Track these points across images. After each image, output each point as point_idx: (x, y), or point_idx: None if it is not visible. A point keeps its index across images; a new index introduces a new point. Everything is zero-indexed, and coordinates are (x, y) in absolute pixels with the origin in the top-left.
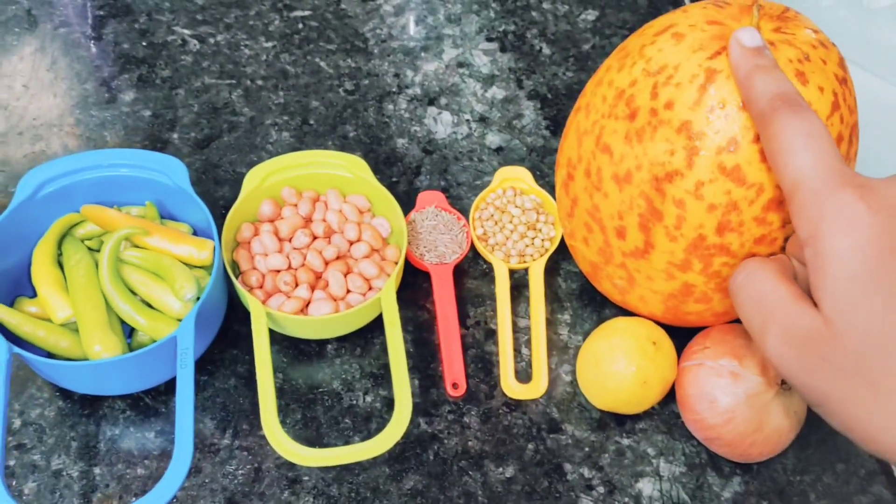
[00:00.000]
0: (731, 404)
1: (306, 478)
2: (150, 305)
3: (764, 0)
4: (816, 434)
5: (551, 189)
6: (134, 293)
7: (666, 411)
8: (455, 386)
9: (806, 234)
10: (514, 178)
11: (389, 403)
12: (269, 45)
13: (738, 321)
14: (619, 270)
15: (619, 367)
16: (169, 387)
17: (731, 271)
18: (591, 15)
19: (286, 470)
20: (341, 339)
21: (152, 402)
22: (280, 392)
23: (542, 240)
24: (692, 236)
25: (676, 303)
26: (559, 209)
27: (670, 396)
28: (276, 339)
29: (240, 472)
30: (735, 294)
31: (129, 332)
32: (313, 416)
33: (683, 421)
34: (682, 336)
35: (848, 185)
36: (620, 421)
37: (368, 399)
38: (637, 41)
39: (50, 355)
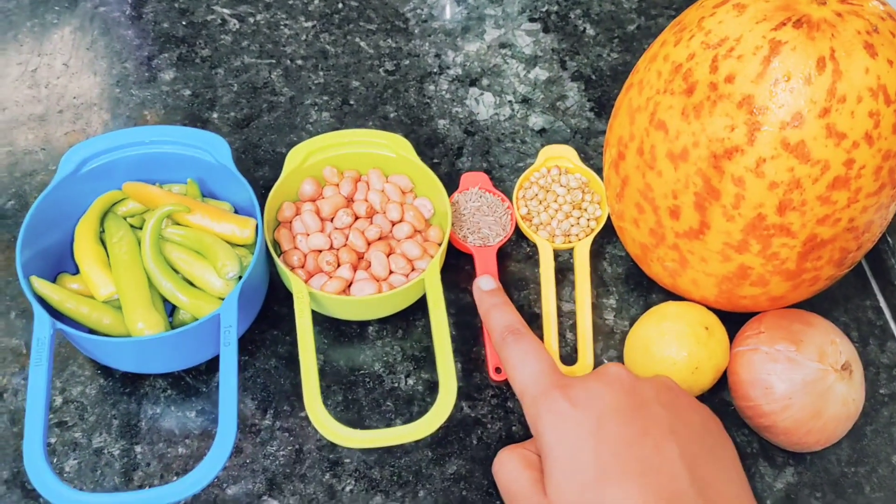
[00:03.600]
0: (787, 391)
1: (348, 460)
2: (191, 283)
3: None
4: (872, 424)
5: (597, 171)
6: (176, 271)
7: (716, 398)
8: (498, 370)
9: (534, 432)
10: (559, 157)
11: (431, 387)
12: (309, 24)
13: (793, 306)
14: (671, 252)
15: (670, 352)
16: (210, 366)
17: (790, 253)
18: None
19: (327, 452)
20: (382, 321)
21: (193, 382)
22: (321, 373)
23: (588, 219)
24: (751, 216)
25: (731, 286)
26: (607, 190)
27: (721, 383)
28: (317, 319)
29: (281, 453)
30: (495, 478)
31: (169, 310)
32: (355, 399)
33: (735, 408)
34: (732, 322)
35: (555, 388)
36: None
37: (410, 382)
38: (695, 13)
39: (92, 332)
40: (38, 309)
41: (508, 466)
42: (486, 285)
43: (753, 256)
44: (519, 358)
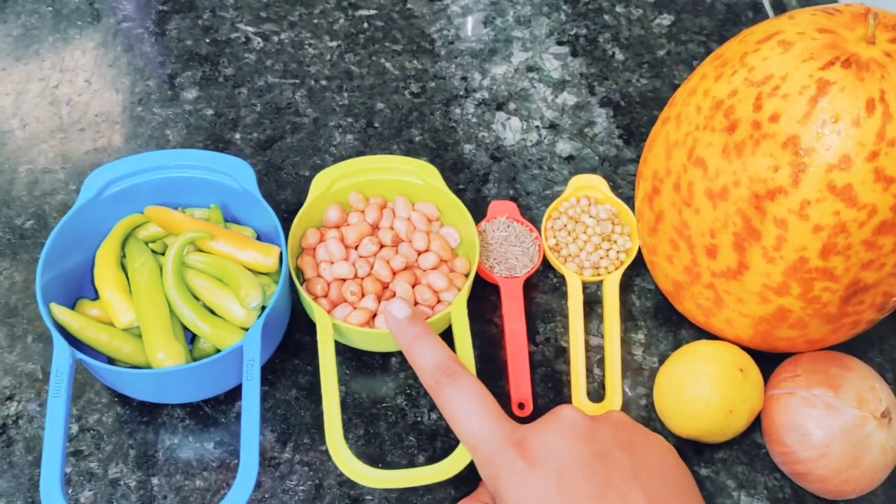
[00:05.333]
0: (825, 438)
1: (369, 497)
2: (212, 312)
3: (879, 8)
4: None
5: (626, 200)
6: (197, 299)
7: (747, 441)
8: (521, 406)
9: (492, 489)
10: (589, 187)
11: None
12: (334, 44)
13: (829, 348)
14: (706, 291)
15: (703, 393)
16: (228, 396)
17: (832, 297)
18: (666, 20)
19: (348, 488)
20: None
21: (212, 412)
22: (342, 405)
23: (618, 252)
24: (793, 258)
25: (768, 328)
26: (640, 224)
27: (753, 425)
28: (339, 349)
29: (300, 487)
30: None
31: (189, 338)
32: (376, 433)
33: (769, 452)
34: (764, 361)
35: (510, 445)
36: (699, 449)
37: (433, 416)
38: (737, 48)
39: (110, 360)
40: (57, 339)
41: None
42: (400, 312)
43: (794, 299)
44: (460, 406)
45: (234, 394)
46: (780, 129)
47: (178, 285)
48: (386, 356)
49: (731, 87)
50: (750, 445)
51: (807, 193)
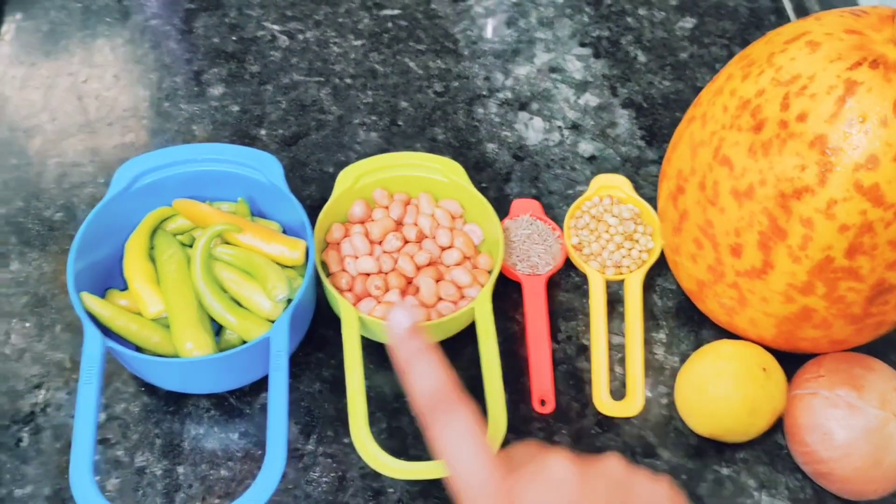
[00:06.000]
0: (847, 438)
1: (391, 490)
2: (239, 304)
3: None
4: None
5: (647, 201)
6: (224, 291)
7: (768, 441)
8: (542, 403)
9: None
10: (612, 186)
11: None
12: (358, 43)
13: (853, 349)
14: (730, 290)
15: (726, 392)
16: (253, 388)
17: (857, 297)
18: (688, 23)
19: (371, 480)
20: None
21: (237, 403)
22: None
23: (640, 251)
24: (818, 258)
25: (791, 327)
26: (663, 223)
27: (774, 426)
28: (362, 343)
29: (324, 479)
30: None
31: (215, 330)
32: (399, 427)
33: (791, 452)
34: (786, 362)
35: (498, 495)
36: (720, 448)
37: None
38: (764, 49)
39: (138, 349)
40: (89, 327)
41: None
42: (402, 321)
43: (818, 299)
44: (454, 442)
45: (259, 386)
46: (808, 129)
47: (206, 277)
48: None
49: (758, 87)
50: (771, 445)
51: (833, 193)
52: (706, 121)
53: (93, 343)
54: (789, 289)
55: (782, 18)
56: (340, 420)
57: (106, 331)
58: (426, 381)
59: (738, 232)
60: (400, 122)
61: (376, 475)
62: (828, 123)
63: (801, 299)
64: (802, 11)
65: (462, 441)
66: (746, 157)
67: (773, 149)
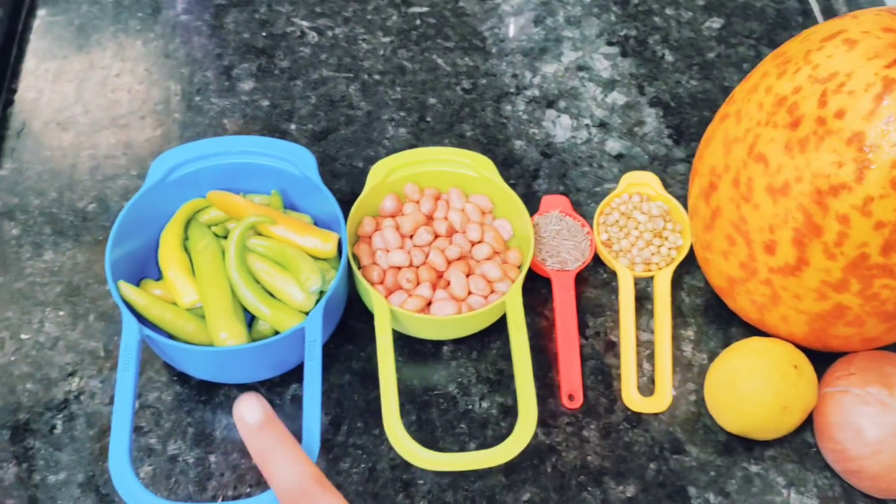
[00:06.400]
0: (879, 436)
1: (421, 481)
2: (271, 295)
3: None
4: None
5: (677, 198)
6: (257, 282)
7: (797, 439)
8: (571, 398)
9: None
10: (641, 184)
11: (506, 411)
12: (387, 39)
13: (884, 348)
14: (763, 287)
15: (757, 389)
16: (284, 379)
17: (891, 294)
18: (716, 23)
19: (401, 472)
20: (457, 341)
21: (267, 394)
22: None
23: (669, 248)
24: (854, 255)
25: (824, 325)
26: (694, 220)
27: (803, 423)
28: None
29: (354, 470)
30: None
31: (248, 320)
32: (428, 419)
33: (820, 450)
34: (815, 360)
35: None
36: (748, 446)
37: (485, 405)
38: (800, 46)
39: (172, 338)
40: (126, 314)
41: None
42: (252, 417)
43: (852, 296)
44: None
45: (290, 377)
46: (845, 126)
47: (240, 268)
48: (438, 344)
49: (794, 84)
50: (800, 444)
51: (870, 190)
52: (741, 118)
53: (130, 331)
54: (823, 286)
55: (809, 19)
56: (370, 412)
57: (141, 319)
58: (288, 474)
59: (772, 228)
60: (428, 119)
61: (406, 466)
62: (865, 120)
63: (834, 296)
64: (830, 12)
65: None
66: (782, 154)
67: (810, 145)
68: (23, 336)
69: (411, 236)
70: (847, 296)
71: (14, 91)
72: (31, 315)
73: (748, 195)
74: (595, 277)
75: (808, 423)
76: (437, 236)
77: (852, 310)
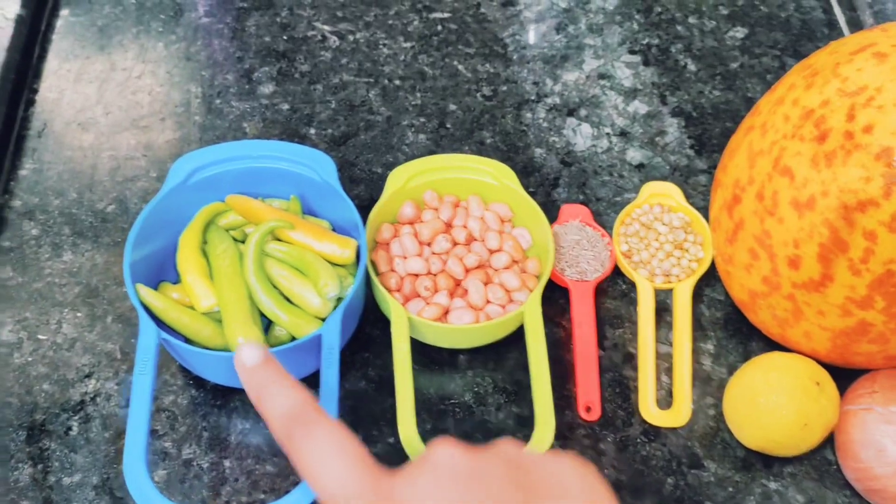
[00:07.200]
0: None
1: None
2: (289, 300)
3: None
4: None
5: (697, 209)
6: (275, 287)
7: (817, 456)
8: (588, 409)
9: None
10: (663, 195)
11: (522, 422)
12: (408, 45)
13: None
14: (785, 302)
15: (779, 405)
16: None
17: None
18: (739, 32)
19: None
20: (474, 350)
21: None
22: None
23: (690, 260)
24: (880, 272)
25: (847, 341)
26: (716, 232)
27: (823, 441)
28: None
29: None
30: None
31: (264, 325)
32: (444, 429)
33: (841, 468)
34: (837, 377)
35: (373, 492)
36: (767, 462)
37: (501, 415)
38: (828, 59)
39: (188, 342)
40: (144, 318)
41: None
42: (249, 359)
43: (877, 313)
44: (316, 459)
45: (305, 383)
46: (874, 141)
47: (258, 273)
48: (454, 353)
49: (822, 97)
50: (820, 461)
51: None
52: (766, 130)
53: (148, 334)
54: (847, 302)
55: (834, 30)
56: (385, 419)
57: (158, 322)
58: (281, 401)
59: (796, 243)
60: (448, 125)
61: None
62: (895, 136)
63: (859, 313)
64: (855, 23)
65: (327, 456)
66: (809, 168)
67: (837, 160)
68: (40, 336)
69: (430, 244)
70: (872, 313)
71: (36, 91)
72: (48, 316)
73: (773, 209)
74: (614, 288)
75: (829, 440)
76: (455, 244)
77: (876, 327)
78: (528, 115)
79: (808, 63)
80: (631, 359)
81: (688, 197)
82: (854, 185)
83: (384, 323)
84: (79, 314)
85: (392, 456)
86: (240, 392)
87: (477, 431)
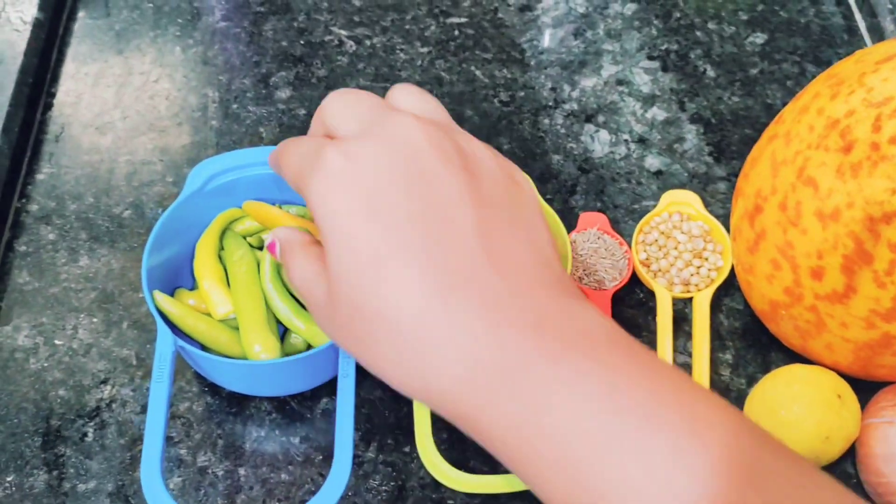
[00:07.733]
0: None
1: (451, 501)
2: (304, 308)
3: None
4: None
5: (717, 218)
6: (292, 295)
7: (837, 470)
8: None
9: (310, 210)
10: (682, 203)
11: None
12: (425, 50)
13: None
14: (807, 313)
15: (799, 418)
16: (315, 393)
17: None
18: (759, 38)
19: (430, 491)
20: None
21: (298, 407)
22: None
23: (709, 269)
24: None
25: (870, 354)
26: (736, 242)
27: (843, 454)
28: None
29: (383, 487)
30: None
31: (280, 333)
32: (460, 438)
33: (862, 483)
34: (858, 390)
35: (326, 146)
36: None
37: None
38: (854, 68)
39: (204, 349)
40: (161, 326)
41: (299, 266)
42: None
43: None
44: (290, 147)
45: (320, 391)
46: None
47: (274, 280)
48: None
49: (848, 107)
50: (840, 474)
51: None
52: (790, 139)
53: (165, 341)
54: (872, 315)
55: (855, 36)
56: (401, 428)
57: (174, 329)
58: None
59: (820, 254)
60: (465, 131)
61: (436, 485)
62: None
63: (883, 326)
64: (876, 30)
65: (299, 140)
66: (834, 179)
67: (863, 171)
68: (56, 342)
69: None
70: None
71: (53, 95)
72: (65, 321)
73: (796, 219)
74: (632, 297)
75: (849, 453)
76: None
77: None
78: (546, 121)
79: (833, 72)
80: None
81: (706, 205)
82: (880, 197)
83: None
84: (94, 320)
85: (408, 466)
86: (255, 400)
87: None
